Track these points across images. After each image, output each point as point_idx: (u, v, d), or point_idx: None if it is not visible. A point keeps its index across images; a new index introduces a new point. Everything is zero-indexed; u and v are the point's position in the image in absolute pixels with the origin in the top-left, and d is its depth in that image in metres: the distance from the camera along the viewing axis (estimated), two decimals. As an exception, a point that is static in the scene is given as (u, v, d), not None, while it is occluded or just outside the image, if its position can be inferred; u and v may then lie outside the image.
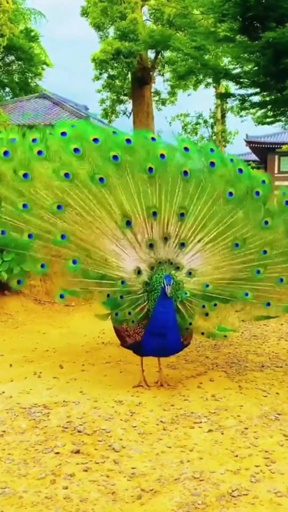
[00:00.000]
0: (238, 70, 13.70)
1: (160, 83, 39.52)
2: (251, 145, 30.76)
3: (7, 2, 14.55)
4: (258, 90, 13.56)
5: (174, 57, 19.79)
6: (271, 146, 30.24)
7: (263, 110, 14.66)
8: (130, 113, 24.58)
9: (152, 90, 24.45)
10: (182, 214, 4.11)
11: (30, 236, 4.12)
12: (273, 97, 13.39)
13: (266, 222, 4.21)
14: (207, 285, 4.19)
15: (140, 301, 4.14)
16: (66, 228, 4.08)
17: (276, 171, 30.35)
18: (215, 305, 4.27)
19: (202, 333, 4.45)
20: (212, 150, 4.26)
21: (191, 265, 4.20)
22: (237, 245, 4.14)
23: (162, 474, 2.86)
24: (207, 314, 4.32)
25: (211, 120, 30.90)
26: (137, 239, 4.13)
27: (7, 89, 23.50)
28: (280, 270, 4.30)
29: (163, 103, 26.59)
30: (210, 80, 19.95)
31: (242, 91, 13.96)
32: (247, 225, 4.16)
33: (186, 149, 4.19)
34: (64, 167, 4.00)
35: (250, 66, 13.11)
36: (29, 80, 23.39)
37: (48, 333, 6.73)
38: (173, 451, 3.14)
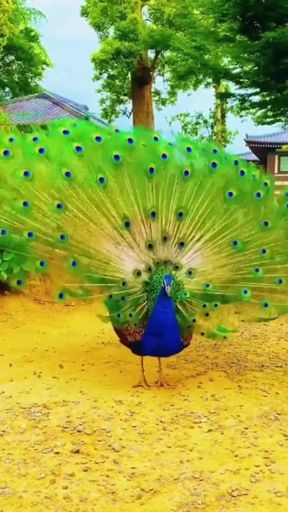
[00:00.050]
0: (238, 70, 13.71)
1: (160, 83, 39.50)
2: (251, 145, 30.74)
3: (7, 2, 14.53)
4: (258, 90, 13.56)
5: (174, 57, 19.79)
6: (271, 146, 30.23)
7: (263, 110, 14.66)
8: (130, 113, 24.57)
9: (152, 90, 24.44)
10: (180, 214, 4.12)
11: (30, 234, 4.11)
12: (273, 97, 13.38)
13: (266, 223, 4.21)
14: (207, 285, 4.19)
15: (140, 300, 4.14)
16: (66, 228, 4.08)
17: (276, 171, 30.34)
18: (216, 305, 4.26)
19: (202, 334, 4.45)
20: (215, 151, 4.26)
21: (190, 264, 4.20)
22: (235, 243, 4.14)
23: (162, 474, 2.86)
24: (207, 314, 4.32)
25: (211, 120, 30.94)
26: (136, 239, 4.12)
27: (7, 89, 23.49)
28: (279, 271, 4.30)
29: (163, 103, 26.59)
30: (210, 80, 19.97)
31: (242, 91, 13.98)
32: (246, 225, 4.16)
33: (188, 149, 4.19)
34: (65, 166, 4.00)
35: (250, 66, 13.10)
36: (29, 80, 23.39)
37: (48, 333, 6.73)
38: (173, 451, 3.14)
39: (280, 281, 4.30)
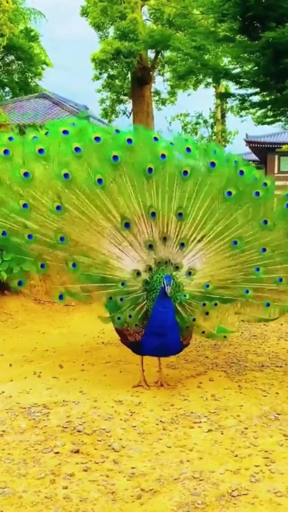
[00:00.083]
0: (238, 70, 13.71)
1: (160, 83, 39.47)
2: (251, 145, 30.74)
3: (7, 2, 14.53)
4: (258, 90, 13.57)
5: (174, 57, 19.79)
6: (271, 146, 30.22)
7: (263, 110, 14.67)
8: (130, 113, 24.57)
9: (152, 90, 24.43)
10: (180, 214, 4.11)
11: (30, 236, 4.11)
12: (273, 97, 13.39)
13: (266, 222, 4.21)
14: (207, 285, 4.19)
15: (139, 300, 4.14)
16: (66, 229, 4.07)
17: (276, 171, 30.35)
18: (216, 304, 4.27)
19: (203, 332, 4.45)
20: (214, 151, 4.26)
21: (191, 265, 4.20)
22: (235, 243, 4.14)
23: (161, 474, 2.86)
24: (207, 313, 4.32)
25: (211, 120, 30.96)
26: (136, 240, 4.12)
27: (7, 89, 23.49)
28: (280, 270, 4.30)
29: (163, 103, 26.60)
30: (210, 80, 19.97)
31: (242, 91, 13.98)
32: (246, 225, 4.16)
33: (188, 149, 4.19)
34: (64, 167, 4.00)
35: (250, 66, 13.11)
36: (29, 80, 23.39)
37: (48, 333, 6.73)
38: (173, 451, 3.14)
39: (281, 280, 4.30)
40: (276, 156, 30.97)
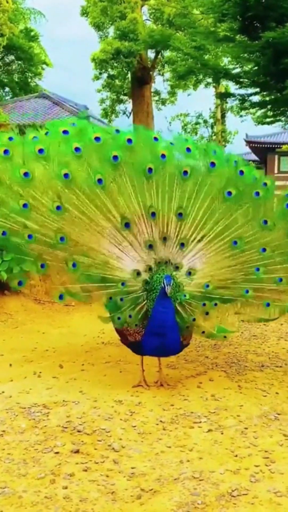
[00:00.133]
0: (238, 70, 13.72)
1: (160, 83, 39.49)
2: (251, 145, 30.74)
3: (7, 2, 14.53)
4: (258, 90, 13.57)
5: (174, 57, 19.79)
6: (271, 146, 30.22)
7: (263, 110, 14.67)
8: (130, 113, 24.58)
9: (152, 90, 24.44)
10: (180, 214, 4.11)
11: (30, 236, 4.11)
12: (273, 97, 13.39)
13: (266, 222, 4.21)
14: (207, 285, 4.18)
15: (139, 300, 4.13)
16: (66, 229, 4.07)
17: (276, 171, 30.35)
18: (216, 304, 4.26)
19: (203, 332, 4.45)
20: (214, 151, 4.26)
21: (191, 265, 4.19)
22: (235, 243, 4.14)
23: (161, 474, 2.86)
24: (207, 313, 4.32)
25: (211, 120, 30.95)
26: (136, 240, 4.12)
27: (7, 89, 23.49)
28: (280, 271, 4.30)
29: (163, 103, 26.60)
30: (210, 80, 19.99)
31: (242, 91, 13.99)
32: (246, 224, 4.16)
33: (188, 149, 4.19)
34: (64, 167, 4.00)
35: (250, 66, 13.11)
36: (29, 80, 23.39)
37: (48, 333, 6.73)
38: (173, 451, 3.14)
39: (281, 280, 4.30)
40: (276, 156, 30.97)
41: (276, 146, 29.32)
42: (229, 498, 2.61)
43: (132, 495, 2.65)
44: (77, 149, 4.00)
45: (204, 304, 4.22)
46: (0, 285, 7.31)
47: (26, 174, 4.02)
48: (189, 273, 4.19)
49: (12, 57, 21.85)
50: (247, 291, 4.25)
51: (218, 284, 4.23)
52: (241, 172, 4.23)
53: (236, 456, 3.05)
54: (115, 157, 3.98)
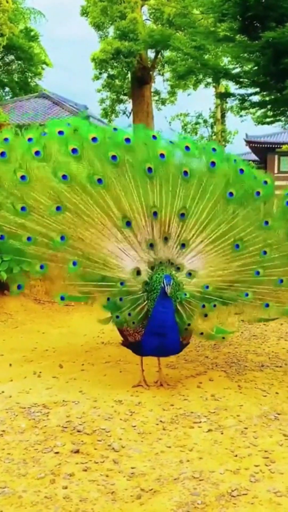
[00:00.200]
0: (238, 70, 13.73)
1: (160, 82, 39.46)
2: (251, 145, 30.73)
3: (7, 2, 14.53)
4: (258, 89, 13.58)
5: (174, 56, 19.79)
6: (271, 146, 30.21)
7: (263, 110, 14.68)
8: (130, 113, 24.57)
9: (152, 89, 24.42)
10: (182, 215, 4.10)
11: (29, 239, 4.09)
12: (273, 97, 13.40)
13: (267, 223, 4.20)
14: (207, 287, 4.18)
15: (140, 301, 4.13)
16: (65, 230, 4.06)
17: (276, 171, 30.32)
18: (215, 306, 4.26)
19: (201, 334, 4.44)
20: (214, 149, 4.25)
21: (191, 265, 4.19)
22: (237, 246, 4.13)
23: (161, 473, 2.86)
24: (206, 315, 4.30)
25: (211, 120, 30.92)
26: (137, 239, 4.12)
27: (7, 89, 23.49)
28: (280, 272, 4.29)
29: (163, 103, 26.58)
30: (210, 80, 19.99)
31: (242, 91, 14.01)
32: (248, 226, 4.15)
33: (187, 148, 4.18)
34: (62, 168, 3.98)
35: (250, 66, 13.12)
36: (29, 80, 23.40)
37: (48, 333, 6.73)
38: (173, 450, 3.14)
39: (281, 281, 4.29)
40: (276, 156, 30.95)
41: (276, 146, 29.31)
42: (229, 498, 2.61)
43: (132, 495, 2.65)
44: (74, 150, 3.99)
45: (203, 306, 4.21)
46: (0, 285, 7.30)
47: (23, 177, 3.99)
48: (189, 274, 4.18)
49: (12, 57, 21.85)
50: (247, 294, 4.24)
51: (218, 285, 4.22)
52: (241, 171, 4.22)
53: (236, 456, 3.05)
54: (114, 157, 3.97)
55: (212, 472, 2.86)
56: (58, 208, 4.01)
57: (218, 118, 30.14)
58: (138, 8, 21.46)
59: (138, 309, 4.12)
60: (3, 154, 4.08)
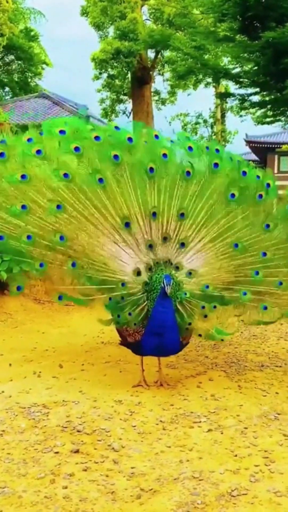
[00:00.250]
0: (238, 70, 13.74)
1: (160, 82, 39.54)
2: (250, 144, 30.73)
3: (7, 2, 14.53)
4: (258, 89, 13.59)
5: (174, 56, 19.80)
6: (270, 146, 30.21)
7: (262, 110, 14.69)
8: (130, 113, 24.58)
9: (152, 89, 24.43)
10: (182, 214, 4.10)
11: (29, 237, 4.09)
12: (272, 97, 13.41)
13: (268, 226, 4.20)
14: (207, 286, 4.17)
15: (140, 301, 4.13)
16: (65, 230, 4.05)
17: (275, 171, 30.27)
18: (215, 307, 4.25)
19: (200, 335, 4.43)
20: (217, 150, 4.24)
21: (191, 265, 4.19)
22: (236, 245, 4.13)
23: (161, 473, 2.86)
24: (205, 316, 4.30)
25: (211, 120, 30.97)
26: (136, 239, 4.11)
27: (7, 89, 23.48)
28: (280, 273, 4.28)
29: (163, 103, 26.60)
30: (210, 80, 20.01)
31: (242, 91, 14.02)
32: (248, 227, 4.15)
33: (190, 148, 4.17)
34: (63, 167, 3.98)
35: (250, 66, 13.12)
36: (29, 80, 23.38)
37: (48, 333, 6.73)
38: (173, 450, 3.14)
39: (281, 283, 4.29)
40: (276, 156, 30.95)
41: (276, 146, 29.31)
42: (229, 498, 2.61)
43: (132, 495, 2.65)
44: (76, 148, 3.98)
45: (203, 307, 4.21)
46: (0, 284, 7.30)
47: (23, 176, 3.99)
48: (189, 273, 4.18)
49: (12, 57, 21.84)
50: (245, 293, 4.23)
51: (218, 285, 4.22)
52: (244, 173, 4.21)
53: (236, 456, 3.05)
54: (116, 157, 3.97)
55: (212, 472, 2.86)
56: (58, 207, 4.00)
57: (218, 118, 30.17)
58: (138, 8, 21.46)
59: (138, 309, 4.12)
60: (2, 154, 4.06)
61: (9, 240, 4.12)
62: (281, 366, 4.91)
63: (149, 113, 22.81)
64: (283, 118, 14.56)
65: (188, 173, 4.06)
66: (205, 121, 31.14)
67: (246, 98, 14.07)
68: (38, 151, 4.01)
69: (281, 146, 26.72)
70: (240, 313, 4.50)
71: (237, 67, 13.79)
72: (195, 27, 14.38)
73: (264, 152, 31.09)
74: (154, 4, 22.16)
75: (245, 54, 12.56)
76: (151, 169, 3.99)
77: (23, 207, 4.02)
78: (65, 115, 18.38)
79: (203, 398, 3.94)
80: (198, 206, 4.11)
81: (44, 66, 23.18)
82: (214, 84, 22.37)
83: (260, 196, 4.21)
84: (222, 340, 4.64)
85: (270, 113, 14.46)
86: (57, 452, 3.06)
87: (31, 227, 4.06)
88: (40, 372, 4.64)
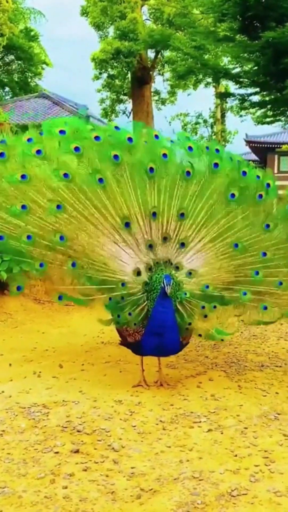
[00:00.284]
0: (237, 70, 13.74)
1: (160, 82, 39.53)
2: (250, 144, 30.74)
3: (7, 2, 14.53)
4: (257, 89, 13.59)
5: (174, 56, 19.80)
6: (270, 145, 30.21)
7: (262, 110, 14.69)
8: (130, 113, 24.58)
9: (152, 89, 24.44)
10: (182, 214, 4.10)
11: (29, 237, 4.08)
12: (272, 96, 13.41)
13: (268, 226, 4.20)
14: (207, 286, 4.17)
15: (140, 301, 4.12)
16: (65, 230, 4.05)
17: (275, 171, 30.27)
18: (215, 307, 4.25)
19: (200, 335, 4.43)
20: (217, 150, 4.24)
21: (191, 265, 4.19)
22: (236, 245, 4.13)
23: (161, 473, 2.86)
24: (205, 316, 4.30)
25: (211, 120, 30.98)
26: (136, 239, 4.11)
27: (7, 89, 23.48)
28: (280, 274, 4.28)
29: (163, 103, 26.61)
30: (210, 80, 20.02)
31: (242, 91, 14.02)
32: (248, 227, 4.15)
33: (190, 148, 4.17)
34: (63, 167, 3.98)
35: (250, 66, 13.12)
36: (29, 80, 23.38)
37: (48, 333, 6.73)
38: (173, 450, 3.14)
39: (281, 283, 4.29)
40: (276, 156, 30.95)
41: (276, 146, 29.32)
42: (229, 498, 2.61)
43: (132, 495, 2.65)
44: (76, 148, 3.98)
45: (203, 307, 4.20)
46: (0, 284, 7.30)
47: (23, 176, 3.99)
48: (189, 273, 4.18)
49: (12, 57, 21.85)
50: (245, 293, 4.23)
51: (218, 285, 4.22)
52: (244, 173, 4.21)
53: (236, 456, 3.05)
54: (116, 157, 3.96)
55: (212, 472, 2.86)
56: (58, 207, 4.00)
57: (218, 118, 30.18)
58: (138, 8, 21.46)
59: (138, 309, 4.12)
60: (2, 154, 4.06)
61: (9, 240, 4.11)
62: (281, 366, 4.91)
63: (149, 113, 22.81)
64: (283, 118, 14.56)
65: (188, 173, 4.06)
66: (205, 121, 31.17)
67: (246, 98, 14.07)
68: (38, 151, 4.01)
69: (281, 146, 26.73)
70: (240, 313, 4.49)
71: (237, 67, 13.80)
72: (195, 27, 14.38)
73: (264, 152, 31.09)
74: (154, 4, 22.16)
75: (245, 54, 12.56)
76: (151, 169, 3.99)
77: (23, 207, 4.02)
78: (65, 115, 18.38)
79: (203, 398, 3.94)
80: (198, 206, 4.11)
81: (44, 66, 23.19)
82: (214, 84, 22.39)
83: (260, 196, 4.20)
84: (222, 340, 4.64)
85: (270, 113, 14.46)
86: (57, 452, 3.06)
87: (31, 227, 4.06)
88: (40, 372, 4.64)
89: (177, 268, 4.18)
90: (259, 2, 11.36)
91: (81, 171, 4.03)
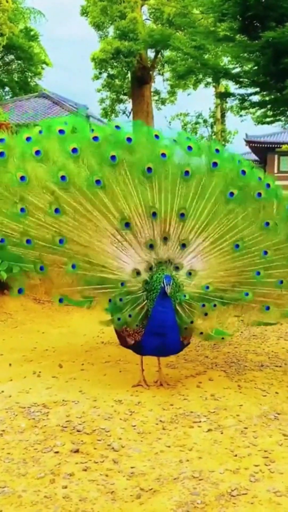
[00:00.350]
0: (237, 70, 13.75)
1: (159, 82, 39.58)
2: (250, 144, 30.75)
3: (7, 1, 14.54)
4: (257, 89, 13.59)
5: (174, 56, 19.82)
6: (270, 145, 30.23)
7: (262, 110, 14.69)
8: (130, 113, 24.60)
9: (152, 89, 24.47)
10: (182, 214, 4.09)
11: (28, 241, 4.07)
12: (272, 96, 13.41)
13: (267, 223, 4.19)
14: (207, 287, 4.17)
15: (139, 300, 4.11)
16: (64, 232, 4.04)
17: (275, 171, 30.35)
18: (215, 305, 4.24)
19: (201, 333, 4.43)
20: (217, 150, 4.23)
21: (191, 265, 4.17)
22: (237, 246, 4.13)
23: (161, 473, 2.86)
24: (206, 314, 4.29)
25: (211, 120, 31.02)
26: (136, 240, 4.10)
27: (7, 88, 23.50)
28: (280, 273, 4.28)
29: (163, 103, 26.64)
30: (209, 80, 20.05)
31: (242, 91, 14.03)
32: (248, 226, 4.14)
33: (189, 148, 4.16)
34: (61, 169, 3.96)
35: (249, 66, 13.13)
36: (29, 80, 23.43)
37: (48, 333, 6.72)
38: (172, 450, 3.14)
39: (281, 282, 4.28)
40: (276, 156, 30.98)
41: (276, 146, 29.32)
42: (229, 498, 2.61)
43: (132, 495, 2.65)
44: (74, 149, 3.96)
45: (203, 305, 4.20)
46: (0, 284, 7.30)
47: (22, 178, 3.96)
48: (189, 274, 4.18)
49: (12, 57, 21.89)
50: (247, 294, 4.23)
51: (219, 286, 4.21)
52: (243, 172, 4.20)
53: (236, 455, 3.05)
54: (113, 157, 3.95)
55: (212, 472, 2.86)
56: (56, 211, 3.98)
57: (218, 118, 30.22)
58: (138, 8, 21.48)
59: (138, 309, 4.11)
60: (2, 154, 4.05)
61: (9, 244, 4.11)
62: (281, 366, 4.91)
63: (149, 113, 22.83)
64: (283, 118, 14.56)
65: (186, 172, 4.05)
66: (205, 121, 31.21)
67: (246, 98, 14.08)
68: (37, 152, 3.99)
69: (281, 146, 26.71)
70: (241, 313, 4.49)
71: (237, 67, 13.81)
72: (195, 27, 14.38)
73: (264, 152, 31.11)
74: (154, 3, 22.19)
75: (245, 54, 12.57)
76: (149, 169, 3.97)
77: (22, 210, 4.01)
78: (65, 115, 18.38)
79: (203, 398, 3.94)
80: (199, 206, 4.09)
81: (44, 66, 23.24)
82: (214, 84, 22.42)
83: (259, 194, 4.19)
84: (222, 339, 4.63)
85: (270, 113, 14.46)
86: (57, 452, 3.06)
87: (31, 230, 4.05)
88: (40, 372, 4.64)
89: (177, 268, 4.18)
90: (259, 2, 11.36)
91: (81, 171, 4.00)
